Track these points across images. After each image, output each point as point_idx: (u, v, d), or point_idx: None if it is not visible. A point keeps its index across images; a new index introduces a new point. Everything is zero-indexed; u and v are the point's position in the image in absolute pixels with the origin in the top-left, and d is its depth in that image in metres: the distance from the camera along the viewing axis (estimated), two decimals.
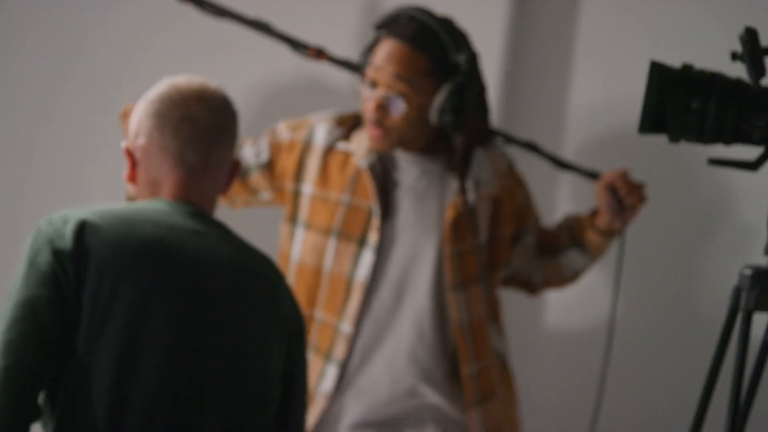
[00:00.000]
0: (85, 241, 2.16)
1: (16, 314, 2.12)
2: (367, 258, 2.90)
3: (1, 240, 3.52)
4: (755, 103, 2.52)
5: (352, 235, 2.92)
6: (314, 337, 2.95)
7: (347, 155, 2.96)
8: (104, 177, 3.72)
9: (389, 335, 2.94)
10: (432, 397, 2.93)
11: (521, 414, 3.14)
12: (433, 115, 2.87)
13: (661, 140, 2.61)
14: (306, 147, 2.99)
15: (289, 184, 2.99)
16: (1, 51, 3.79)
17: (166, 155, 2.31)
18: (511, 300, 3.38)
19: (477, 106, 2.90)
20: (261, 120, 3.29)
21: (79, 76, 3.74)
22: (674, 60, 2.56)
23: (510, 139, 3.08)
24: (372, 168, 2.93)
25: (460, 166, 2.91)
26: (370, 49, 2.92)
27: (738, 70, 2.49)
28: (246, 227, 3.63)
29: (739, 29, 2.48)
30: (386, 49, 2.88)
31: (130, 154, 2.34)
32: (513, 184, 3.04)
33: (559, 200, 3.66)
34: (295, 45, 3.07)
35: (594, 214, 3.04)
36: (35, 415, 2.17)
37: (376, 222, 2.90)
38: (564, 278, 3.12)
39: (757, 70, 2.46)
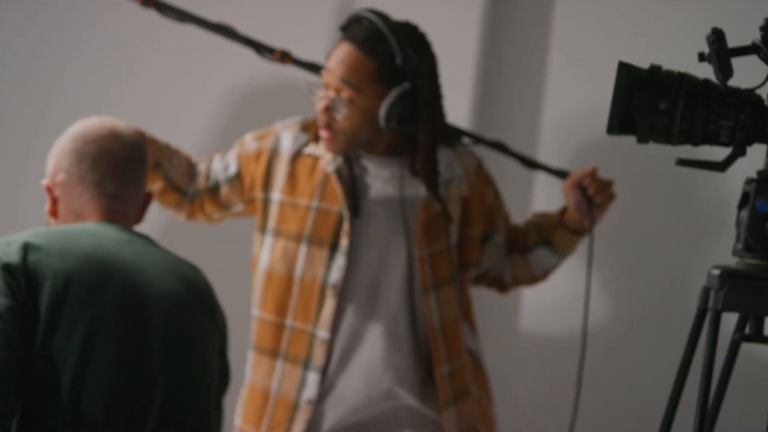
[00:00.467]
0: (31, 256, 2.38)
1: None
2: (340, 262, 2.90)
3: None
4: (723, 104, 2.53)
5: (323, 240, 2.91)
6: (285, 345, 2.93)
7: (315, 159, 2.95)
8: None
9: (364, 339, 2.93)
10: (408, 399, 2.93)
11: (497, 413, 3.15)
12: (381, 120, 2.86)
13: (631, 141, 2.62)
14: (273, 155, 2.98)
15: (258, 194, 2.98)
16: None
17: (87, 187, 2.55)
18: (487, 301, 3.39)
19: (426, 112, 2.87)
20: (235, 125, 3.29)
21: (71, 77, 3.75)
22: (649, 61, 2.57)
23: (478, 140, 3.09)
24: (339, 172, 2.92)
25: (424, 172, 2.89)
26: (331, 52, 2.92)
27: (708, 71, 2.51)
28: (219, 236, 3.66)
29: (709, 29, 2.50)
30: (337, 51, 2.88)
31: (50, 190, 2.56)
32: (482, 184, 3.04)
33: (535, 198, 3.67)
34: (260, 49, 3.06)
35: (563, 212, 3.04)
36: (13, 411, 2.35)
37: (346, 226, 2.90)
38: (534, 276, 3.12)
39: (724, 71, 2.47)
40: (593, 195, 2.93)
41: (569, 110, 3.63)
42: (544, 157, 3.55)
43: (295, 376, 2.92)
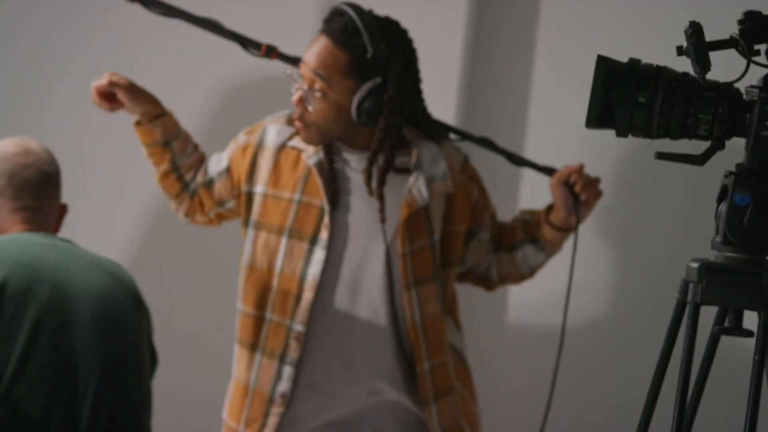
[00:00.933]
0: None
1: None
2: (319, 255, 2.90)
3: None
4: (701, 98, 2.54)
5: (303, 233, 2.91)
6: (263, 339, 2.93)
7: (299, 152, 2.96)
8: (98, 177, 3.75)
9: (345, 333, 2.93)
10: (391, 394, 2.93)
11: (482, 409, 3.15)
12: (353, 114, 2.86)
13: (612, 137, 2.63)
14: (258, 148, 2.99)
15: (243, 187, 2.99)
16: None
17: (6, 200, 2.79)
18: (473, 296, 3.40)
19: (389, 107, 2.85)
20: (221, 122, 3.30)
21: (69, 77, 3.76)
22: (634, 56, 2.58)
23: (465, 136, 3.08)
24: (320, 165, 2.93)
25: (368, 164, 2.87)
26: None
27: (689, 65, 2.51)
28: (210, 237, 3.67)
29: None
30: (314, 44, 2.89)
31: None
32: (468, 181, 3.03)
33: (521, 195, 3.67)
34: (246, 43, 3.06)
35: (549, 209, 3.04)
36: None
37: (326, 219, 2.90)
38: (520, 274, 3.11)
39: (701, 65, 2.47)
40: (580, 192, 2.93)
41: (555, 107, 3.64)
42: (529, 154, 3.56)
43: (270, 370, 2.93)
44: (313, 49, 2.88)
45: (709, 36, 2.52)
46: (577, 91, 3.37)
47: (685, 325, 2.59)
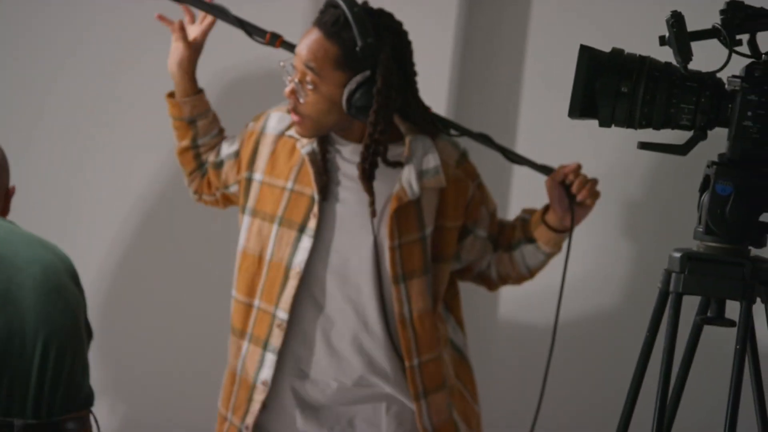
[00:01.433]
0: None
1: None
2: (305, 244, 2.90)
3: None
4: (683, 88, 2.54)
5: (293, 221, 2.92)
6: (251, 326, 2.94)
7: (295, 141, 2.96)
8: (98, 175, 3.77)
9: (333, 323, 2.93)
10: (384, 387, 2.93)
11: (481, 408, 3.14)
12: (344, 106, 2.85)
13: (595, 127, 2.64)
14: (261, 135, 3.00)
15: (244, 173, 3.00)
16: None
17: None
18: (464, 294, 3.40)
19: (377, 101, 2.84)
20: (222, 113, 3.31)
21: (71, 75, 3.78)
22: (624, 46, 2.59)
23: (464, 132, 3.06)
24: (312, 154, 2.93)
25: (361, 160, 2.87)
26: None
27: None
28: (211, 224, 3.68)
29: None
30: (306, 36, 2.88)
31: None
32: (463, 176, 3.00)
33: (513, 194, 3.68)
34: (251, 30, 3.05)
35: (546, 209, 3.01)
36: None
37: (315, 208, 2.90)
38: (519, 274, 3.08)
39: (683, 54, 2.47)
40: (576, 192, 2.91)
41: (546, 102, 3.64)
42: (520, 150, 3.56)
43: (255, 357, 2.93)
44: (305, 41, 2.88)
45: (695, 26, 2.53)
46: (568, 86, 3.39)
47: (667, 314, 2.60)
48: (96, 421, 2.82)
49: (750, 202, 2.54)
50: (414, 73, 2.98)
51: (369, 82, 2.83)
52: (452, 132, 3.07)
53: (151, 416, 3.76)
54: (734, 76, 2.54)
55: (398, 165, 2.90)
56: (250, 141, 3.01)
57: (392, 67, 2.83)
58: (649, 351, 2.63)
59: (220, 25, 3.10)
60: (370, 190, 2.88)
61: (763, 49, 2.54)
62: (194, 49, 3.02)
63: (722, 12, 2.52)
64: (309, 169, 2.92)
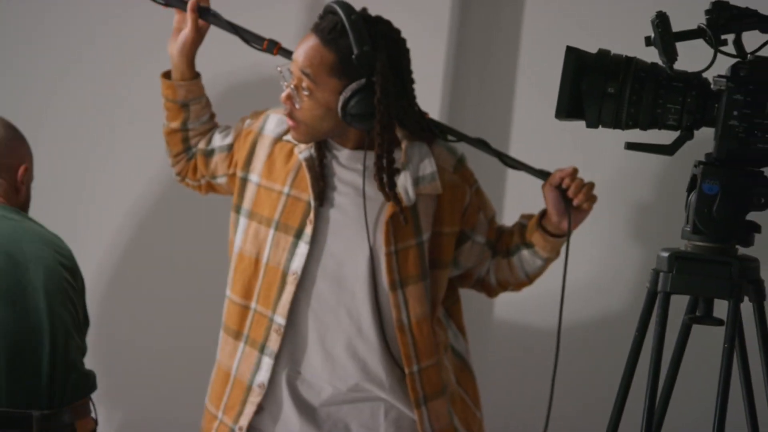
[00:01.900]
0: None
1: None
2: (302, 249, 2.90)
3: None
4: (669, 88, 2.55)
5: (290, 226, 2.92)
6: (247, 328, 2.94)
7: (293, 146, 2.96)
8: (105, 174, 3.79)
9: (328, 328, 2.93)
10: (378, 393, 2.93)
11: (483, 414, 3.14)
12: (339, 113, 2.85)
13: (580, 127, 2.64)
14: (258, 136, 3.01)
15: (239, 172, 3.01)
16: (1, 51, 3.84)
17: None
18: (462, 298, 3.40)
19: (379, 110, 2.83)
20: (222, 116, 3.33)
21: (76, 77, 3.80)
22: (618, 50, 2.60)
23: (460, 137, 3.05)
24: (309, 160, 2.93)
25: (376, 170, 2.87)
26: None
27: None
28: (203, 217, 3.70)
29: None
30: (303, 42, 2.87)
31: None
32: (460, 182, 2.99)
33: (507, 198, 3.69)
34: (248, 37, 3.04)
35: (543, 213, 3.01)
36: None
37: (311, 214, 2.91)
38: (518, 279, 3.07)
39: (668, 55, 2.48)
40: (572, 196, 2.90)
41: (539, 106, 3.65)
42: (514, 155, 3.57)
43: (251, 359, 2.94)
44: (302, 47, 2.88)
45: (681, 26, 2.54)
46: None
47: (655, 314, 2.61)
48: (93, 405, 3.02)
49: (737, 201, 2.55)
50: (411, 81, 2.98)
51: (364, 90, 2.83)
52: (449, 137, 3.07)
53: (148, 413, 3.78)
54: (720, 76, 2.55)
55: (395, 171, 2.91)
56: (247, 139, 3.02)
57: (388, 75, 2.83)
58: (638, 351, 2.64)
59: (219, 30, 3.11)
60: (394, 198, 2.88)
61: (748, 48, 2.55)
62: (200, 33, 3.03)
63: (707, 12, 2.53)
64: (306, 175, 2.92)
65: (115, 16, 3.73)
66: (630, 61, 2.58)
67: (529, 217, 3.07)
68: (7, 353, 2.87)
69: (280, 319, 2.90)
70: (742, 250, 2.62)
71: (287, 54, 3.01)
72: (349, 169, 2.94)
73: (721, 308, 2.60)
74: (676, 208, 2.73)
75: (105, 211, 3.81)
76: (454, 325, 3.09)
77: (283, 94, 2.89)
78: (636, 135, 2.65)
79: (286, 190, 2.94)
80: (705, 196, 2.56)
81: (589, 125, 2.62)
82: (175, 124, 3.07)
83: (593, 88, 2.57)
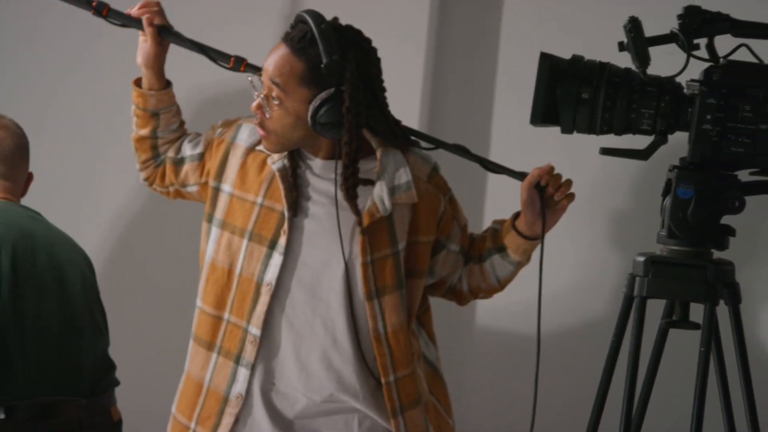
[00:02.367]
0: None
1: None
2: (276, 260, 2.89)
3: None
4: (643, 93, 2.56)
5: (263, 237, 2.91)
6: (220, 338, 2.93)
7: (266, 156, 2.96)
8: (107, 174, 3.79)
9: (303, 339, 2.92)
10: (352, 403, 2.92)
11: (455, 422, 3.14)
12: (309, 122, 2.84)
13: (557, 134, 2.66)
14: (231, 145, 2.99)
15: (211, 182, 3.00)
16: (2, 51, 3.84)
17: None
18: (442, 305, 3.40)
19: (347, 119, 2.82)
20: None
21: (80, 75, 3.80)
22: (595, 55, 2.61)
23: (439, 144, 3.04)
24: (283, 170, 2.93)
25: (342, 179, 2.86)
26: None
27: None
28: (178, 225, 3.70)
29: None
30: (273, 51, 2.87)
31: None
32: (435, 191, 2.98)
33: (488, 204, 3.69)
34: (214, 56, 3.03)
35: (517, 215, 3.00)
36: None
37: (285, 225, 2.90)
38: (490, 285, 3.06)
39: (641, 59, 2.50)
40: (552, 192, 2.89)
41: (517, 114, 3.65)
42: (496, 156, 3.57)
43: (226, 370, 2.92)
44: (272, 56, 2.87)
45: (655, 31, 2.55)
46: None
47: (632, 318, 2.62)
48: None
49: (711, 205, 2.57)
50: (382, 89, 2.97)
51: (333, 99, 2.82)
52: (425, 145, 3.06)
53: (146, 412, 3.79)
54: (693, 80, 2.56)
55: (369, 183, 2.90)
56: (219, 149, 3.01)
57: (358, 84, 2.82)
58: (616, 355, 2.65)
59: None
60: (355, 208, 2.88)
61: (720, 52, 2.57)
62: (162, 46, 3.02)
63: (680, 17, 2.55)
64: (279, 185, 2.92)
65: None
66: (604, 66, 2.59)
67: (502, 222, 3.06)
68: (57, 345, 3.11)
69: (255, 330, 2.89)
70: (717, 254, 2.63)
71: (255, 69, 3.00)
72: (323, 178, 2.94)
73: (697, 312, 2.61)
74: (652, 213, 2.74)
75: (104, 212, 3.83)
76: (425, 333, 3.08)
77: (254, 104, 2.88)
78: (611, 140, 2.66)
79: (259, 200, 2.93)
80: (680, 200, 2.58)
81: (563, 131, 2.64)
82: (145, 132, 3.06)
83: (567, 94, 2.59)
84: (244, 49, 3.09)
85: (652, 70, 2.54)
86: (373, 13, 3.71)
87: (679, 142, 2.63)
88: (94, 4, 2.95)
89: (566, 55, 2.64)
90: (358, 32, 2.87)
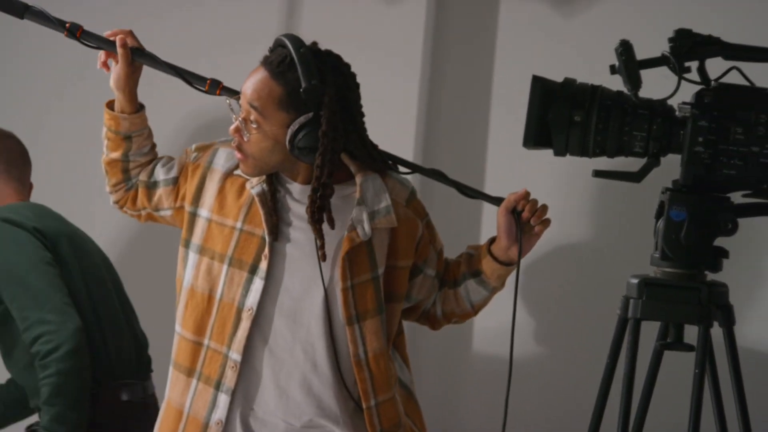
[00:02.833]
0: (39, 222, 3.36)
1: None
2: (257, 285, 2.88)
3: None
4: (635, 115, 2.58)
5: (244, 262, 2.90)
6: (200, 364, 2.92)
7: (244, 180, 2.96)
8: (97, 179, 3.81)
9: (284, 364, 2.92)
10: (332, 428, 2.92)
11: None
12: (287, 147, 2.84)
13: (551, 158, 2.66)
14: (207, 170, 2.99)
15: (187, 207, 2.99)
16: (3, 51, 3.85)
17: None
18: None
19: (323, 143, 2.82)
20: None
21: (79, 78, 3.82)
22: (590, 77, 2.62)
23: (415, 168, 3.05)
24: (262, 195, 2.93)
25: (309, 202, 2.87)
26: None
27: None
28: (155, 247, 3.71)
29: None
30: (252, 74, 2.87)
31: None
32: (413, 216, 2.98)
33: (484, 224, 3.70)
34: (191, 79, 3.02)
35: (492, 240, 3.01)
36: None
37: (266, 250, 2.90)
38: (464, 310, 3.06)
39: (632, 82, 2.51)
40: (528, 217, 2.90)
41: (513, 139, 3.66)
42: (491, 178, 3.58)
43: (206, 396, 2.91)
44: (251, 80, 2.88)
45: (647, 54, 2.56)
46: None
47: (626, 340, 2.62)
48: None
49: (704, 226, 2.57)
50: (361, 114, 2.97)
51: (312, 124, 2.83)
52: (403, 169, 3.06)
53: None
54: (685, 103, 2.57)
55: (325, 206, 2.90)
56: (195, 174, 3.00)
57: (336, 109, 2.82)
58: (610, 377, 2.65)
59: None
60: (319, 233, 2.88)
61: (712, 75, 2.58)
62: (134, 67, 3.01)
63: (671, 40, 2.56)
64: (259, 210, 2.92)
65: (117, 23, 3.74)
66: (596, 89, 2.60)
67: (476, 247, 3.06)
68: (124, 329, 3.38)
69: (235, 356, 2.88)
70: (711, 276, 2.64)
71: (231, 93, 3.00)
72: (303, 203, 2.93)
73: (692, 334, 2.61)
74: (645, 235, 2.75)
75: (104, 212, 3.84)
76: (399, 357, 3.07)
77: (232, 127, 2.88)
78: (603, 163, 2.67)
79: (239, 225, 2.93)
80: (673, 222, 2.58)
81: (556, 153, 2.64)
82: (116, 155, 3.04)
83: (560, 116, 2.60)
84: (241, 74, 3.11)
85: (643, 93, 2.55)
86: (369, 33, 3.72)
87: (671, 165, 2.64)
88: (67, 25, 2.95)
89: (559, 78, 2.66)
90: (338, 57, 2.88)
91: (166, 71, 2.97)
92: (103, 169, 3.04)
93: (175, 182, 2.99)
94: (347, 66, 2.86)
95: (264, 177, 2.90)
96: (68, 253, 3.32)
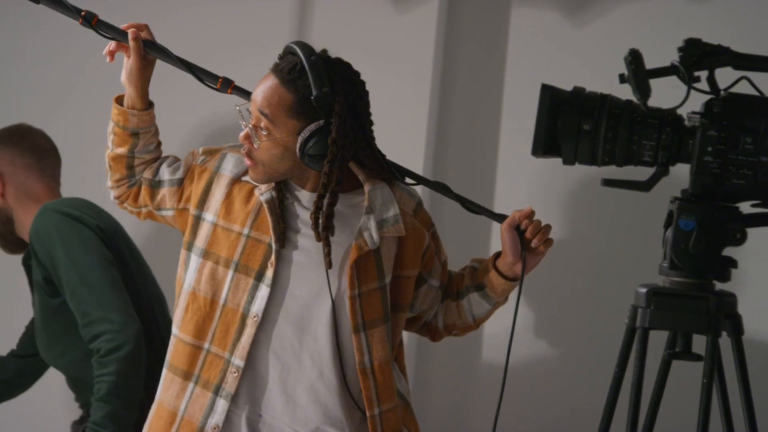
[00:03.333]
0: (96, 219, 3.44)
1: None
2: (263, 292, 2.88)
3: None
4: (644, 125, 2.57)
5: (250, 268, 2.90)
6: (199, 368, 2.91)
7: (252, 187, 2.96)
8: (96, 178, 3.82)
9: (290, 371, 2.91)
10: None
11: None
12: (298, 154, 2.84)
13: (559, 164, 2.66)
14: (215, 175, 2.99)
15: (192, 210, 2.99)
16: (5, 51, 3.86)
17: (34, 174, 3.50)
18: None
19: (332, 151, 2.83)
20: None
21: (82, 75, 3.83)
22: (602, 88, 2.62)
23: (420, 180, 3.05)
24: (270, 202, 2.93)
25: (314, 209, 2.87)
26: None
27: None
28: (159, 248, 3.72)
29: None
30: (262, 81, 2.87)
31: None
32: (420, 226, 2.99)
33: (494, 237, 3.69)
34: (203, 76, 3.03)
35: (498, 255, 3.00)
36: None
37: (272, 257, 2.90)
38: (465, 323, 3.06)
39: (641, 91, 2.51)
40: (530, 237, 2.90)
41: (523, 150, 3.66)
42: (501, 186, 3.58)
43: (203, 401, 2.90)
44: (261, 87, 2.88)
45: (656, 63, 2.56)
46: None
47: (634, 350, 2.62)
48: None
49: (713, 236, 2.57)
50: (370, 123, 2.97)
51: (322, 131, 2.83)
52: (409, 180, 3.06)
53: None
54: (694, 113, 2.57)
55: (331, 214, 2.90)
56: (202, 177, 3.00)
57: (346, 116, 2.82)
58: (618, 387, 2.65)
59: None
60: (325, 240, 2.88)
61: (721, 85, 2.58)
62: (147, 62, 3.00)
63: (680, 49, 2.56)
64: (267, 216, 2.92)
65: (122, 20, 3.75)
66: (605, 98, 2.60)
67: (481, 260, 3.06)
68: (163, 321, 3.43)
69: (238, 362, 2.88)
70: (719, 286, 2.63)
71: (242, 93, 3.00)
72: (311, 210, 2.94)
73: (700, 343, 2.61)
74: (654, 244, 2.75)
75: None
76: (396, 366, 3.08)
77: (242, 134, 2.88)
78: (612, 171, 2.67)
79: (246, 231, 2.92)
80: (681, 231, 2.58)
81: (565, 162, 2.64)
82: (122, 150, 3.04)
83: (569, 125, 2.60)
84: (251, 79, 3.11)
85: (653, 103, 2.55)
86: (380, 41, 3.73)
87: (680, 174, 2.64)
88: (83, 13, 2.94)
89: (569, 87, 2.66)
90: (348, 65, 2.88)
91: (178, 66, 2.95)
92: (107, 163, 3.03)
93: (180, 183, 2.99)
94: (357, 74, 2.87)
95: (273, 184, 2.91)
96: (126, 252, 3.39)
